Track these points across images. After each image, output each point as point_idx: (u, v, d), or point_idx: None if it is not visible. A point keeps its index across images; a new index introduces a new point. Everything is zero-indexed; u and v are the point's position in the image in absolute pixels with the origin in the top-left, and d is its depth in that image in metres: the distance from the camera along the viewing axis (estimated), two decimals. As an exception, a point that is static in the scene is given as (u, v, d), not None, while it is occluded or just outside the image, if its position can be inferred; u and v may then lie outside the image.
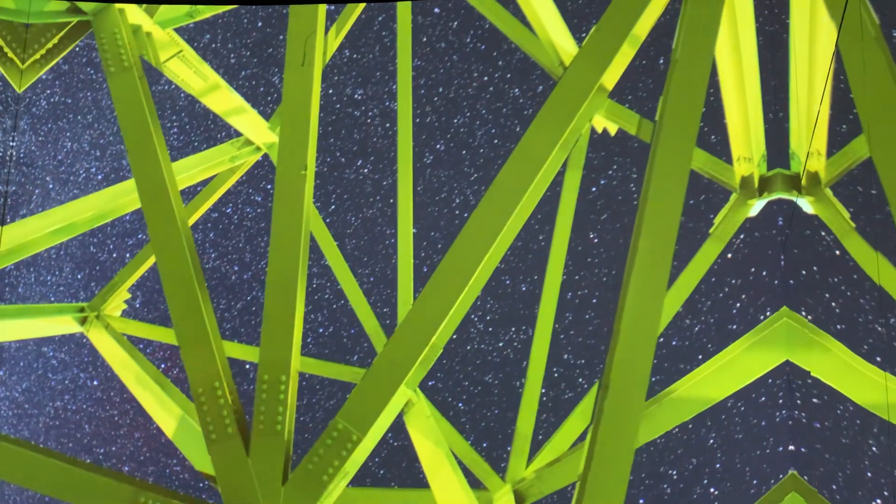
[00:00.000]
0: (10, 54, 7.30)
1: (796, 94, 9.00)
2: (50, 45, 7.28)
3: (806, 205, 9.30)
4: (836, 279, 15.42)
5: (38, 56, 7.23)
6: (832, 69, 7.73)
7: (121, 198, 8.92)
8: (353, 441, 5.88)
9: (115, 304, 9.56)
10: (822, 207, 9.24)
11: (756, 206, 9.54)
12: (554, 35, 8.97)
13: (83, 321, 9.32)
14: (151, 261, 9.53)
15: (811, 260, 15.43)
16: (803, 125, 9.12)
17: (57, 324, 9.38)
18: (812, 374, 7.55)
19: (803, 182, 9.23)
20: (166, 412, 8.38)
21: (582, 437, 9.14)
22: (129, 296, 9.77)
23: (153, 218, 6.68)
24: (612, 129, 9.94)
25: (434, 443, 8.28)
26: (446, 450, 8.42)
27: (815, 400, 15.16)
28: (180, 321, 6.36)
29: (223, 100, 9.31)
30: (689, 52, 6.04)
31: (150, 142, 6.86)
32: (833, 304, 15.41)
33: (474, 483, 9.44)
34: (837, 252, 14.75)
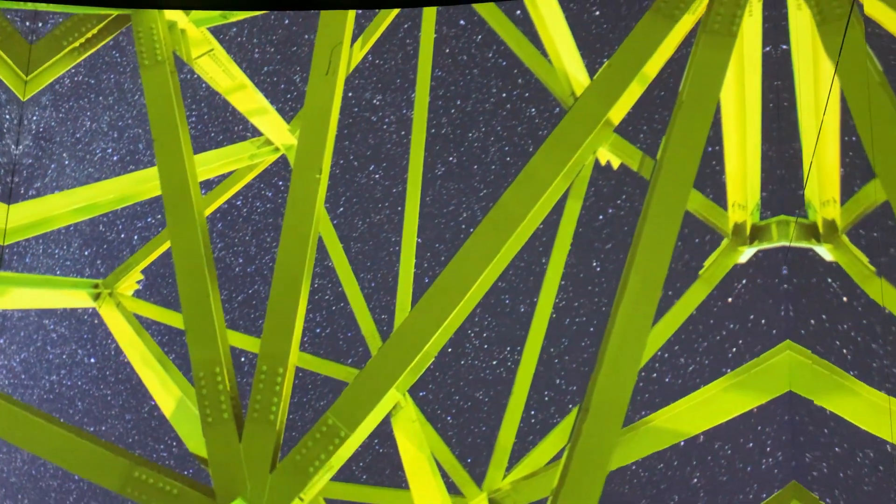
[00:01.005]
0: (15, 66, 7.63)
1: (804, 142, 9.14)
2: (89, 34, 7.62)
3: (825, 252, 9.27)
4: (845, 326, 15.38)
5: (76, 44, 7.58)
6: (826, 112, 7.89)
7: (143, 184, 9.21)
8: (341, 437, 6.16)
9: (128, 284, 9.85)
10: (840, 254, 9.18)
11: (746, 254, 9.57)
12: (568, 65, 9.23)
13: (96, 297, 9.62)
14: (166, 245, 9.82)
15: (819, 308, 15.39)
16: (813, 174, 9.22)
17: (72, 297, 9.67)
18: (819, 404, 7.58)
19: (821, 230, 9.20)
20: (166, 393, 8.65)
21: (559, 455, 9.34)
22: (141, 277, 10.04)
23: (172, 206, 6.97)
24: (615, 163, 10.18)
25: (417, 447, 8.52)
26: (428, 454, 8.66)
27: (836, 449, 15.10)
28: (188, 306, 6.65)
29: (248, 99, 9.61)
30: (696, 94, 6.28)
31: (176, 134, 7.17)
32: (844, 350, 15.35)
33: (452, 489, 9.68)
34: (845, 298, 14.82)
